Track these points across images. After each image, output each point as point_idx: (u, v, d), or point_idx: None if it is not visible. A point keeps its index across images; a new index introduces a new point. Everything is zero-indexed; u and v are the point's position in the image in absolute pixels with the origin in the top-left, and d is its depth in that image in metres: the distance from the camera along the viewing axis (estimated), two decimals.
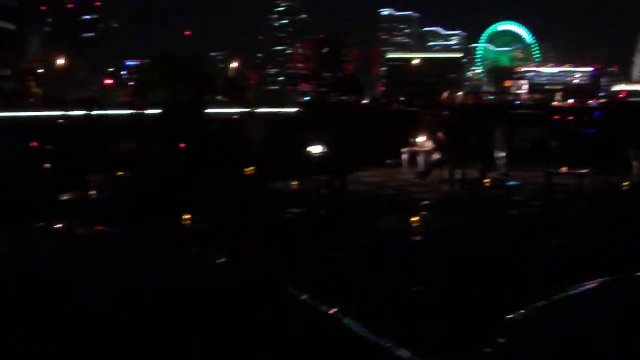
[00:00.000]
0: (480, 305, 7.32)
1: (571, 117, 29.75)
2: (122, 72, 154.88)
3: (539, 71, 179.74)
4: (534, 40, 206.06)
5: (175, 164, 21.87)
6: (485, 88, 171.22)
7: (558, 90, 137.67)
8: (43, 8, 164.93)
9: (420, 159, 21.75)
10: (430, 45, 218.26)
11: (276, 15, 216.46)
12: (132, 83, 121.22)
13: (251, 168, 21.11)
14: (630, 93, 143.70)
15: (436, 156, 20.93)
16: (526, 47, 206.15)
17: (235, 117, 30.16)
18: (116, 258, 9.48)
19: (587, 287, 4.61)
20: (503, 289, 8.13)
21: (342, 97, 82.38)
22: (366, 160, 22.91)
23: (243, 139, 25.02)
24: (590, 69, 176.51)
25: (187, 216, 13.36)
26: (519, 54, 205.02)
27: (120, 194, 17.62)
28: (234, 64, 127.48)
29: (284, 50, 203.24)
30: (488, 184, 18.69)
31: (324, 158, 20.48)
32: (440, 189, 18.49)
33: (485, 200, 17.60)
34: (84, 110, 41.94)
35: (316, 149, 21.19)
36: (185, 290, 6.55)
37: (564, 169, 17.19)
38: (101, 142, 27.39)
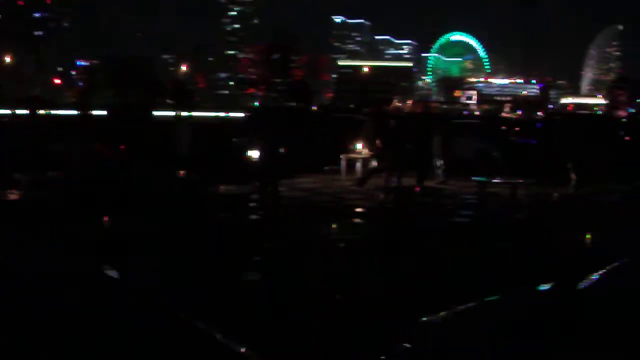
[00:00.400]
0: (394, 313, 7.09)
1: (517, 128, 29.91)
2: (71, 72, 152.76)
3: (490, 82, 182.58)
4: (485, 52, 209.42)
5: (112, 165, 21.32)
6: (434, 97, 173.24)
7: (507, 102, 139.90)
8: None
9: (359, 166, 21.54)
10: (381, 53, 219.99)
11: (229, 20, 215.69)
12: (81, 83, 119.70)
13: (185, 170, 20.88)
14: (578, 106, 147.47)
15: (374, 164, 20.71)
16: (477, 58, 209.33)
17: (172, 120, 29.78)
18: None
19: (482, 302, 4.30)
20: (417, 297, 7.94)
21: (292, 104, 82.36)
22: (304, 167, 22.62)
23: (178, 141, 24.54)
24: (535, 82, 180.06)
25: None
26: (469, 64, 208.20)
27: (51, 195, 17.07)
28: (184, 68, 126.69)
29: (235, 54, 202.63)
30: (419, 192, 18.69)
31: (261, 163, 20.13)
32: (375, 197, 18.28)
33: (415, 208, 17.59)
34: (28, 109, 40.84)
35: (255, 154, 20.86)
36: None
37: (497, 179, 17.20)
38: (36, 142, 26.62)
